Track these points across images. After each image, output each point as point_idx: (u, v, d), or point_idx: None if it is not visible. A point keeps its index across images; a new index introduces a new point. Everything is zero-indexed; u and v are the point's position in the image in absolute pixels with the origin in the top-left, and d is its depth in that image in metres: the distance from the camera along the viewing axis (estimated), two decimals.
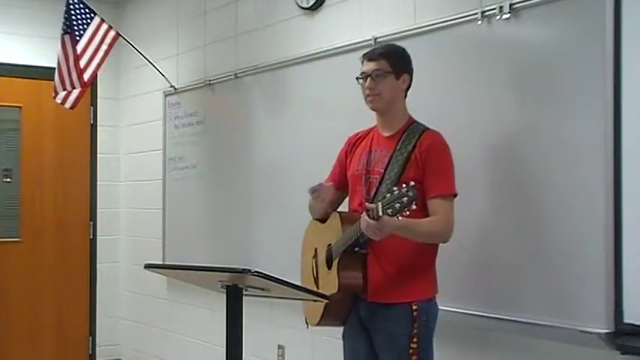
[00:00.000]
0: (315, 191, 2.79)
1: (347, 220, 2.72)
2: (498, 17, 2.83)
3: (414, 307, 2.61)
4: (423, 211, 2.62)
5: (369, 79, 2.72)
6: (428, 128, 2.72)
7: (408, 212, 2.33)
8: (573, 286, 2.56)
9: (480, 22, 2.90)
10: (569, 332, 2.56)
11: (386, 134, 2.78)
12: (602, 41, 2.46)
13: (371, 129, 2.87)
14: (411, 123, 2.75)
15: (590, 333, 2.48)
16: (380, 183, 2.69)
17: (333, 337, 3.05)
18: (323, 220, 2.90)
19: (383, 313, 2.66)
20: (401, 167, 2.64)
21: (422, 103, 3.03)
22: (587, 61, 2.54)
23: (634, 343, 2.36)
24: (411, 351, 2.60)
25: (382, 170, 2.70)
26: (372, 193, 2.71)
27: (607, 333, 2.43)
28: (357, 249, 2.67)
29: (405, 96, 2.78)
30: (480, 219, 2.89)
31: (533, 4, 2.71)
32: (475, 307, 2.89)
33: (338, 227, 2.73)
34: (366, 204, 2.58)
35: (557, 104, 2.64)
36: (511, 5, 2.78)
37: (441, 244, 2.72)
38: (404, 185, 2.34)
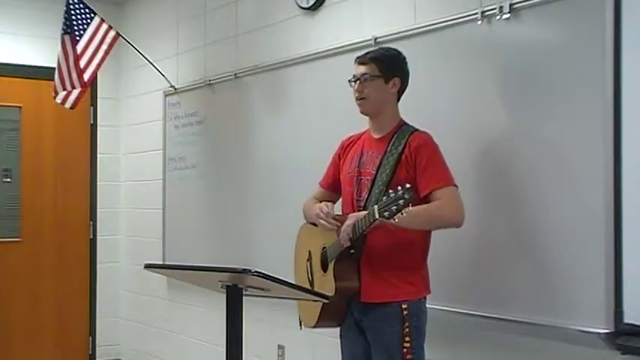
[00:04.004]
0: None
1: (341, 222, 2.72)
2: (498, 17, 2.83)
3: (404, 307, 2.63)
4: None
5: (358, 82, 2.75)
6: (417, 129, 2.74)
7: (404, 215, 2.35)
8: (573, 286, 2.56)
9: (480, 22, 2.90)
10: (569, 332, 2.56)
11: (377, 136, 2.80)
12: (602, 41, 2.46)
13: (363, 132, 2.90)
14: (401, 125, 2.78)
15: (590, 333, 2.48)
16: (372, 184, 2.70)
17: (332, 337, 3.05)
18: (316, 224, 2.91)
19: (374, 312, 2.68)
20: (392, 169, 2.66)
21: (422, 103, 3.03)
22: (587, 61, 2.54)
23: (634, 343, 2.36)
24: (404, 350, 2.61)
25: (373, 172, 2.72)
26: (364, 194, 2.73)
27: (607, 333, 2.43)
28: (352, 251, 2.68)
29: (399, 99, 2.80)
30: (478, 218, 2.89)
31: (533, 4, 2.71)
32: (473, 307, 2.89)
33: (332, 230, 2.73)
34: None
35: (556, 104, 2.64)
36: (511, 5, 2.78)
37: (436, 245, 2.74)
38: (399, 187, 2.36)
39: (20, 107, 5.58)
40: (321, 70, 3.78)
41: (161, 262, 5.04)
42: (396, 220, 2.36)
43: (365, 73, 2.74)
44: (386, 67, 2.75)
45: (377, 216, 2.40)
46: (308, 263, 2.92)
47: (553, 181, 2.64)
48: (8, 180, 5.59)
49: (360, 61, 2.78)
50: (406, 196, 2.33)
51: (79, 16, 4.61)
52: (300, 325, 2.96)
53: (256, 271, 2.11)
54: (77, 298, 5.78)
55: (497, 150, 2.85)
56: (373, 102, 2.75)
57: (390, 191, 2.38)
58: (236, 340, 2.26)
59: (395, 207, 2.34)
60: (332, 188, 2.97)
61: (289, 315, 3.80)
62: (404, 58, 2.81)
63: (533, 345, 2.75)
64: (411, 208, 2.41)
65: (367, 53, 2.81)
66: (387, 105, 2.78)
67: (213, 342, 4.64)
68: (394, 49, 2.85)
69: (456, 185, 2.63)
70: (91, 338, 5.84)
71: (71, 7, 4.61)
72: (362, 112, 2.81)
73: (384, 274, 2.67)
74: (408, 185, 2.36)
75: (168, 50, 5.26)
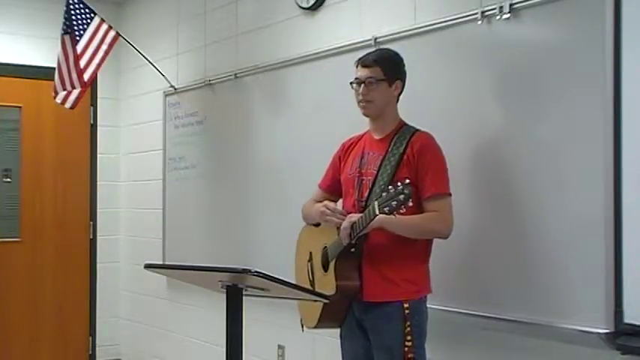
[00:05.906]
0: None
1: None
2: (498, 17, 2.83)
3: (406, 306, 2.63)
4: (418, 211, 2.65)
5: (362, 85, 2.75)
6: (418, 130, 2.76)
7: (404, 210, 2.37)
8: (573, 286, 2.56)
9: (480, 22, 2.90)
10: (569, 332, 2.56)
11: (378, 137, 2.81)
12: (602, 41, 2.46)
13: (364, 133, 2.91)
14: (402, 126, 2.79)
15: (590, 333, 2.48)
16: (373, 184, 2.71)
17: (332, 337, 3.05)
18: (317, 225, 2.92)
19: (375, 311, 2.68)
20: (393, 168, 2.67)
21: (422, 103, 3.04)
22: (587, 61, 2.54)
23: (634, 343, 2.36)
24: (406, 349, 2.61)
25: (375, 172, 2.73)
26: (365, 194, 2.73)
27: (607, 333, 2.43)
28: (352, 250, 2.69)
29: (398, 100, 2.82)
30: (478, 218, 2.89)
31: (533, 4, 2.71)
32: (473, 306, 2.89)
33: (333, 229, 2.73)
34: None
35: (556, 104, 2.64)
36: (511, 5, 2.78)
37: (436, 245, 2.74)
38: (399, 183, 2.40)
39: (20, 107, 5.58)
40: (321, 70, 3.78)
41: (161, 262, 5.04)
42: (396, 216, 2.37)
43: (370, 77, 2.74)
44: (389, 70, 2.76)
45: (377, 212, 2.42)
46: (309, 264, 2.92)
47: (553, 180, 2.64)
48: (8, 180, 5.58)
49: (364, 63, 2.77)
50: (406, 191, 2.36)
51: (79, 16, 4.61)
52: (302, 326, 2.96)
53: (256, 271, 2.11)
54: (77, 298, 5.78)
55: (498, 150, 2.85)
56: (378, 105, 2.76)
57: (390, 187, 2.41)
58: (236, 340, 2.26)
59: (395, 202, 2.37)
60: (331, 190, 2.97)
61: (289, 315, 3.80)
62: (402, 59, 2.82)
63: (533, 345, 2.75)
64: (406, 217, 2.47)
65: (369, 55, 2.81)
66: (389, 107, 2.79)
67: (213, 342, 4.64)
68: (392, 51, 2.86)
69: (450, 194, 2.66)
70: (91, 338, 5.83)
71: (71, 7, 4.60)
72: (365, 115, 2.82)
73: (386, 273, 2.67)
74: (407, 181, 2.39)
75: (168, 50, 5.26)
